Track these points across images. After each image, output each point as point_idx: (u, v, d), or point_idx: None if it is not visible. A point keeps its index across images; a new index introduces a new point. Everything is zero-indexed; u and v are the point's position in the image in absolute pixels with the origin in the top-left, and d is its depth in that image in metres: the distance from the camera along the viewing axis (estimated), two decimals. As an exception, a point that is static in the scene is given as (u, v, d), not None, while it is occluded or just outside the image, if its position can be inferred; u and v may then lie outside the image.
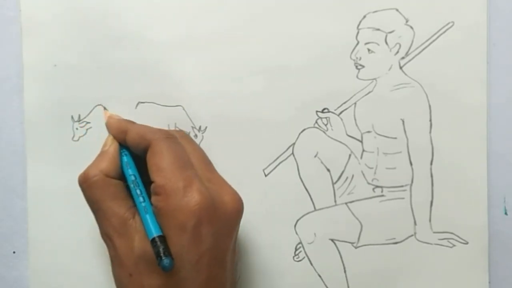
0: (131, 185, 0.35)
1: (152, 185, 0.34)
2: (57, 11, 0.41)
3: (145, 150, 0.35)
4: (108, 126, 0.38)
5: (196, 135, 0.41)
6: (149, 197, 0.34)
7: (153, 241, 0.32)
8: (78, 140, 0.41)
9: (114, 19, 0.41)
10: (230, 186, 0.36)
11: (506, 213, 0.40)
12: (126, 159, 0.36)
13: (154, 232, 0.32)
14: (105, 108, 0.41)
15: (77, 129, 0.41)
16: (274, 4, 0.40)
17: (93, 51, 0.41)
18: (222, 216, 0.33)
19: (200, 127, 0.41)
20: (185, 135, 0.39)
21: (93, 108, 0.41)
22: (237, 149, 0.40)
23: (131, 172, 0.36)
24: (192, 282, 0.32)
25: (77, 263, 0.41)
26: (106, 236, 0.34)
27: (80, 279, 0.41)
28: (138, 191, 0.34)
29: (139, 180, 0.35)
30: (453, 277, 0.40)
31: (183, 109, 0.41)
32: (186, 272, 0.32)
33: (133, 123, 0.39)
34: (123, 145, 0.37)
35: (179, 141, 0.36)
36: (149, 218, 0.33)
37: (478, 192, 0.40)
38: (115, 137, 0.37)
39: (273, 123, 0.40)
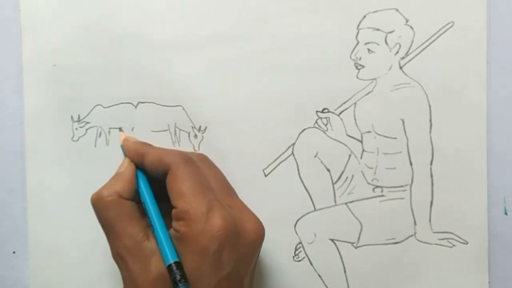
0: (147, 210, 0.35)
1: (174, 211, 0.33)
2: (56, 11, 0.41)
3: (163, 174, 0.35)
4: (125, 148, 0.37)
5: (196, 135, 0.41)
6: (165, 217, 0.34)
7: (169, 267, 0.32)
8: (77, 140, 0.41)
9: (114, 19, 0.41)
10: (251, 212, 0.35)
11: (506, 213, 0.40)
12: (142, 183, 0.36)
13: (171, 258, 0.32)
14: (121, 130, 0.41)
15: (76, 129, 0.41)
16: (274, 4, 0.40)
17: (92, 51, 0.41)
18: (243, 244, 0.33)
19: (200, 127, 0.41)
20: (205, 159, 0.38)
21: (93, 108, 0.41)
22: (237, 149, 0.40)
23: (147, 197, 0.35)
24: None
25: (77, 263, 0.41)
26: (118, 257, 0.34)
27: (80, 279, 0.41)
28: (154, 216, 0.34)
29: (155, 205, 0.35)
30: (453, 277, 0.40)
31: (183, 109, 0.41)
32: None
33: (151, 146, 0.38)
34: (138, 168, 0.36)
35: (198, 165, 0.36)
36: (165, 244, 0.33)
37: (478, 192, 0.40)
38: (132, 160, 0.37)
39: (273, 123, 0.40)
